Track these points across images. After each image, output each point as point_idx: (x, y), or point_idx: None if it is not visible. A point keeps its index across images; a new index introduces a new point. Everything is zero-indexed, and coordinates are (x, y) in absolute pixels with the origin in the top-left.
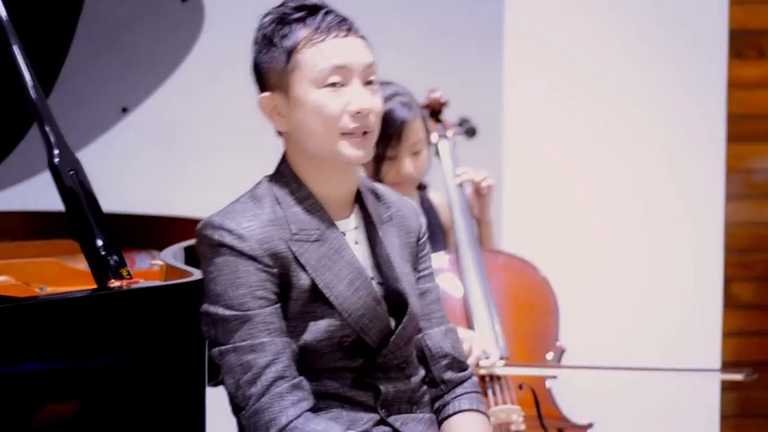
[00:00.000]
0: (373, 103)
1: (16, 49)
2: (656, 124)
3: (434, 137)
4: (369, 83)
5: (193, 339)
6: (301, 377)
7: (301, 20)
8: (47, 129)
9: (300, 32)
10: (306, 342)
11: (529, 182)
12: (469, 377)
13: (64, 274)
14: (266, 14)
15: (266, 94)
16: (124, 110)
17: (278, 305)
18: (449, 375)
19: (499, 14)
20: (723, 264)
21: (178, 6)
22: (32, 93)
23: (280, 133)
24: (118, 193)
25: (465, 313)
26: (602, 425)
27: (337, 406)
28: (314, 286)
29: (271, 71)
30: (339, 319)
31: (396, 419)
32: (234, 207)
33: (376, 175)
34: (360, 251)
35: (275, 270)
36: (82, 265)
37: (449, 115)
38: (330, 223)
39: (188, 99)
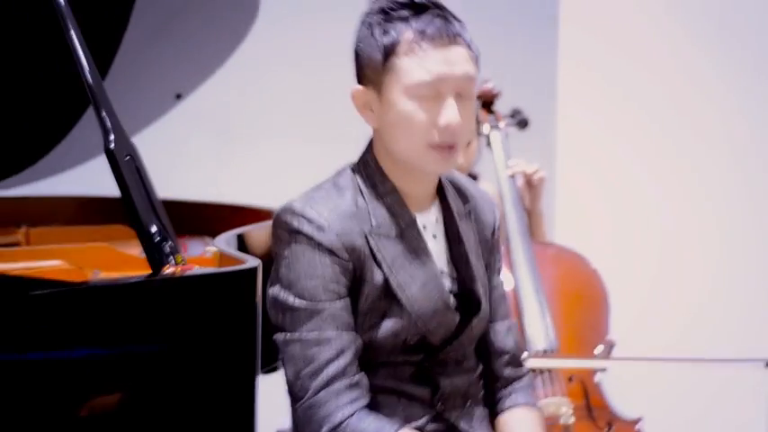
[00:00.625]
0: (463, 117)
1: (74, 34)
2: (717, 116)
3: (486, 128)
4: (464, 95)
5: (246, 327)
6: (361, 374)
7: (406, 19)
8: (103, 114)
9: (402, 34)
10: (371, 338)
11: (581, 174)
12: (526, 374)
13: (117, 259)
14: (374, 3)
15: (360, 88)
16: (178, 96)
17: (348, 299)
18: (508, 372)
19: (554, 2)
20: None
21: None
22: (89, 77)
23: None
24: (170, 179)
25: (516, 305)
26: (652, 419)
27: (394, 400)
28: (386, 284)
29: (367, 65)
30: (407, 320)
31: (450, 415)
32: (315, 194)
33: None
34: (437, 245)
35: (350, 264)
36: (136, 250)
37: (501, 106)
38: (411, 220)
39: (241, 86)
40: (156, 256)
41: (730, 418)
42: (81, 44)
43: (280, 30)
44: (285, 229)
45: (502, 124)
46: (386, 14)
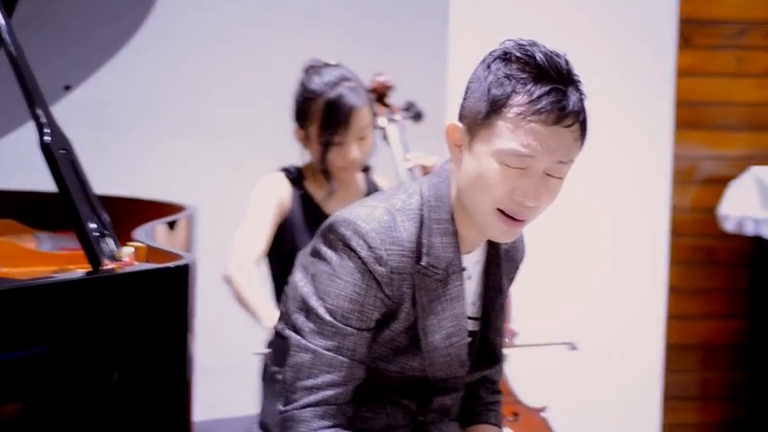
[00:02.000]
0: (543, 195)
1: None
2: (604, 111)
3: (382, 121)
4: (554, 174)
5: (183, 324)
6: (350, 405)
7: (524, 81)
8: (37, 108)
9: (515, 96)
10: (377, 366)
11: None
12: (499, 400)
13: (18, 254)
14: (506, 44)
15: (458, 124)
16: (67, 88)
17: (372, 332)
18: (484, 393)
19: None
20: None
21: None
22: (23, 71)
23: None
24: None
25: None
26: (556, 408)
27: (380, 405)
28: (413, 325)
29: (471, 108)
30: (418, 362)
31: (430, 427)
32: (381, 216)
33: (323, 161)
34: (470, 286)
35: (391, 302)
36: (31, 244)
37: (394, 99)
38: (458, 267)
39: (121, 79)
40: (94, 252)
41: (625, 405)
42: (11, 35)
43: (170, 28)
44: (341, 242)
45: (398, 117)
46: (509, 65)
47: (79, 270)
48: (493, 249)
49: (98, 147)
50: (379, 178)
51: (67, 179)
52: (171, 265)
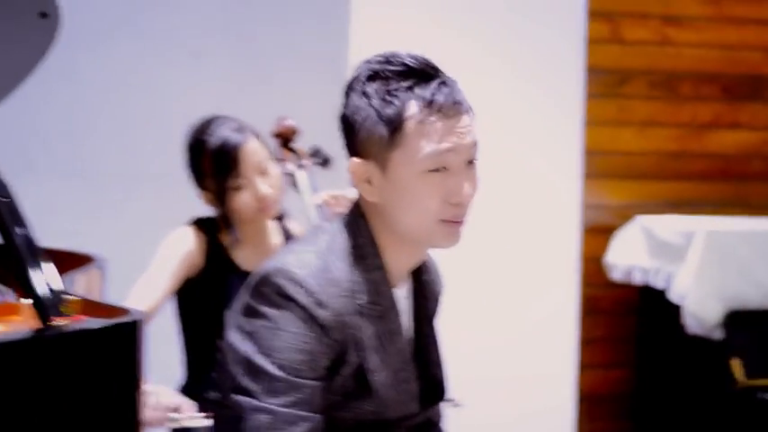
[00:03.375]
0: (474, 188)
1: None
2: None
3: (290, 167)
4: (471, 161)
5: (135, 377)
6: None
7: (410, 89)
8: None
9: (409, 106)
10: (334, 417)
11: None
12: None
13: None
14: (364, 66)
15: (359, 160)
16: None
17: (324, 380)
18: None
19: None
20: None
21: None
22: None
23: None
24: None
25: None
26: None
27: None
28: (360, 366)
29: (368, 139)
30: (371, 405)
31: None
32: (312, 261)
33: (221, 209)
34: (403, 321)
35: (337, 345)
36: None
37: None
38: (392, 302)
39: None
40: (42, 306)
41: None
42: None
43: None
44: (276, 292)
45: (305, 162)
46: (385, 82)
47: (18, 325)
48: (417, 282)
49: None
50: (292, 225)
51: (11, 228)
52: (125, 320)
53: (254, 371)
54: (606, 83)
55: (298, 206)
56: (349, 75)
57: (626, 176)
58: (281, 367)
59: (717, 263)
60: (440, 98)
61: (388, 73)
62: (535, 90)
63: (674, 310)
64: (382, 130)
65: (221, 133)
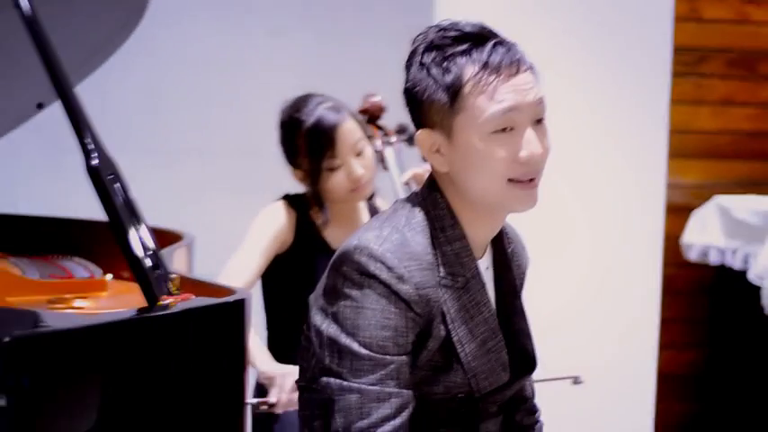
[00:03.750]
0: (545, 146)
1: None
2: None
3: (378, 144)
4: (538, 121)
5: (240, 357)
6: None
7: (466, 53)
8: (85, 132)
9: (466, 70)
10: (423, 392)
11: None
12: (537, 421)
13: (8, 282)
14: (421, 38)
15: (425, 130)
16: (40, 106)
17: (411, 355)
18: (523, 419)
19: (429, 17)
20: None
21: None
22: (68, 93)
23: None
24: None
25: None
26: None
27: None
28: (447, 337)
29: (431, 108)
30: (461, 377)
31: None
32: (391, 235)
33: (315, 189)
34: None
35: (422, 319)
36: (16, 271)
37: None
38: (476, 271)
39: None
40: (149, 284)
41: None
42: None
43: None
44: (357, 270)
45: (393, 140)
46: (441, 50)
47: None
48: (499, 253)
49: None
50: (381, 203)
51: (118, 206)
52: (234, 298)
53: (340, 351)
54: (685, 62)
55: (385, 184)
56: None
57: (704, 156)
58: (365, 345)
59: None
60: (496, 58)
61: (443, 41)
62: (622, 69)
63: (751, 290)
64: (443, 97)
65: (318, 112)
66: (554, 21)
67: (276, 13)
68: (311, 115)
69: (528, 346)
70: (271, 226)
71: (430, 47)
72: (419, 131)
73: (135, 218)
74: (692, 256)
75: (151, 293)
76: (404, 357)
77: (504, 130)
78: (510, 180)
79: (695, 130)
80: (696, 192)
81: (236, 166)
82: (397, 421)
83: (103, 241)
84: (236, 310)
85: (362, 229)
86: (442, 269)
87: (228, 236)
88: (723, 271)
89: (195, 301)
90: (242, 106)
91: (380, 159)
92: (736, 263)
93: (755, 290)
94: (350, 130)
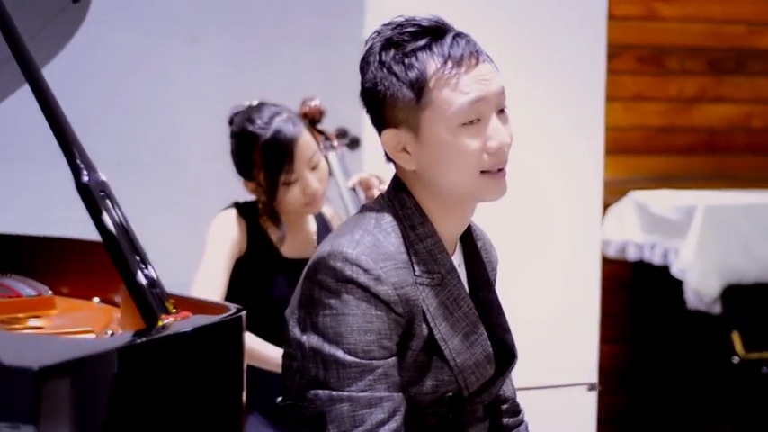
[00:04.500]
0: (510, 134)
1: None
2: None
3: (321, 150)
4: (501, 111)
5: (238, 374)
6: None
7: (427, 47)
8: (72, 148)
9: (429, 64)
10: (411, 394)
11: None
12: (522, 421)
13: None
14: (375, 36)
15: (390, 130)
16: None
17: (397, 356)
18: (506, 421)
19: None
20: None
21: None
22: (53, 109)
23: (388, 159)
24: None
25: None
26: None
27: None
28: (430, 336)
29: (395, 106)
30: (448, 374)
31: None
32: (363, 238)
33: (271, 204)
34: None
35: (403, 319)
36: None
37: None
38: (450, 266)
39: None
40: (147, 304)
41: None
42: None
43: None
44: (333, 277)
45: (335, 144)
46: (400, 47)
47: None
48: (470, 249)
49: None
50: (327, 209)
51: (111, 224)
52: (232, 315)
53: (325, 362)
54: None
55: (331, 189)
56: (350, 50)
57: (616, 152)
58: (351, 352)
59: (716, 238)
60: (458, 50)
61: (401, 37)
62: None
63: (672, 285)
64: (408, 94)
65: (275, 125)
66: (483, 18)
67: (194, 19)
68: (268, 128)
69: (508, 339)
70: (227, 235)
71: (388, 44)
72: (384, 132)
73: (128, 236)
74: (611, 252)
75: (151, 313)
76: (391, 360)
77: (471, 122)
78: (482, 172)
79: (607, 126)
80: (610, 188)
81: (156, 174)
82: (392, 425)
83: (40, 257)
84: (236, 325)
85: (332, 236)
86: (416, 267)
87: (150, 244)
88: (642, 266)
89: (202, 318)
90: (161, 114)
91: None
92: (655, 258)
93: (676, 284)
94: (307, 144)
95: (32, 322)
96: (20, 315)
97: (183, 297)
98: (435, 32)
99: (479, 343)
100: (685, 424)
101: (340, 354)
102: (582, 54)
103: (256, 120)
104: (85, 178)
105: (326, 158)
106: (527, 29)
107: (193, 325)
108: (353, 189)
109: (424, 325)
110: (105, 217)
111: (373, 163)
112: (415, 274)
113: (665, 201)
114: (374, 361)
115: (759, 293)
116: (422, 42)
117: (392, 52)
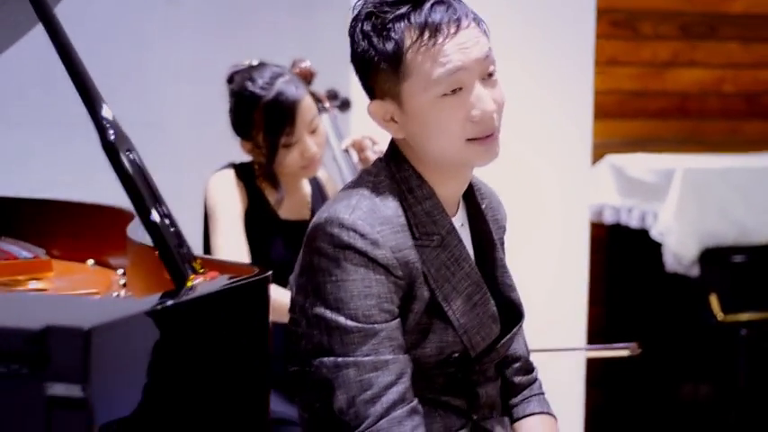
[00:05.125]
0: (496, 100)
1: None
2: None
3: None
4: (489, 75)
5: (264, 335)
6: (416, 399)
7: (405, 17)
8: (98, 107)
9: (406, 35)
10: (416, 356)
11: None
12: (536, 380)
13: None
14: (360, 4)
15: (376, 102)
16: None
17: (399, 318)
18: (519, 379)
19: None
20: None
21: None
22: (79, 70)
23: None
24: None
25: None
26: None
27: (431, 410)
28: (432, 298)
29: (378, 77)
30: (452, 335)
31: (486, 423)
32: (360, 203)
33: (270, 166)
34: None
35: (403, 281)
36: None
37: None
38: (450, 227)
39: None
40: (177, 264)
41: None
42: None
43: None
44: (331, 243)
45: (327, 105)
46: (379, 17)
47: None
48: (473, 208)
49: None
50: (320, 173)
51: (138, 183)
52: (259, 276)
53: (328, 328)
54: None
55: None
56: (334, 12)
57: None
58: (352, 317)
59: (695, 201)
60: (435, 18)
61: (381, 7)
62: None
63: (650, 248)
64: (386, 66)
65: (278, 87)
66: None
67: None
68: (270, 89)
69: (513, 297)
70: (232, 195)
71: (369, 15)
72: (370, 104)
73: (154, 195)
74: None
75: (179, 273)
76: (393, 323)
77: (453, 91)
78: (468, 140)
79: None
80: None
81: (136, 137)
82: (400, 386)
83: (30, 219)
84: (264, 286)
85: (330, 201)
86: (415, 230)
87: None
88: (618, 229)
89: (225, 279)
90: (141, 77)
91: None
92: (632, 221)
93: (654, 247)
94: (308, 107)
95: (34, 284)
96: (20, 278)
97: (207, 258)
98: (414, 1)
99: (482, 303)
100: (663, 387)
101: (342, 320)
102: (569, 19)
103: (257, 79)
104: (112, 137)
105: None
106: None
107: (223, 285)
108: (346, 151)
109: (424, 287)
110: (131, 175)
111: (363, 124)
112: (414, 237)
113: (643, 164)
114: (376, 325)
115: (736, 256)
116: (400, 11)
117: (371, 22)
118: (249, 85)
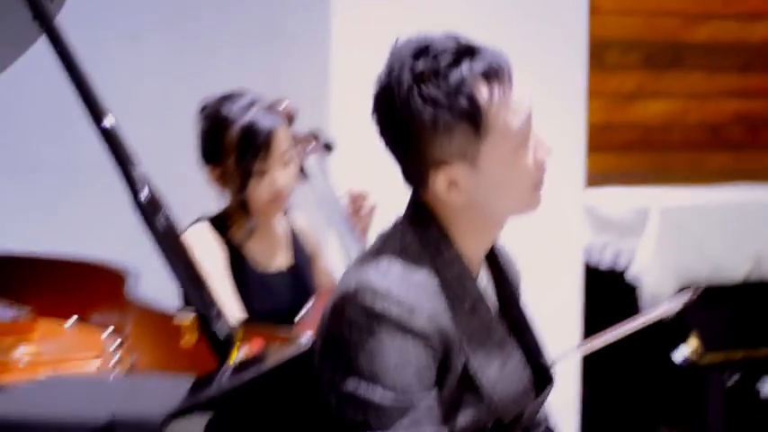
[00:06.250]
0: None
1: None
2: None
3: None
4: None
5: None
6: None
7: (469, 71)
8: (128, 164)
9: (478, 89)
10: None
11: None
12: None
13: None
14: (405, 71)
15: (441, 170)
16: None
17: (435, 389)
18: None
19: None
20: None
21: None
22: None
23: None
24: None
25: None
26: None
27: None
28: (464, 370)
29: (448, 141)
30: (485, 408)
31: None
32: (391, 267)
33: (241, 192)
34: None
35: (440, 352)
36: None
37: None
38: (479, 291)
39: None
40: (219, 338)
41: None
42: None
43: None
44: (363, 313)
45: (313, 147)
46: (440, 75)
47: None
48: (494, 268)
49: None
50: (298, 218)
51: (179, 255)
52: (306, 345)
53: (363, 405)
54: None
55: (309, 197)
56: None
57: None
58: (390, 389)
59: (672, 239)
60: (496, 65)
61: (436, 66)
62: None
63: (622, 286)
64: (463, 125)
65: (253, 112)
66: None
67: (133, 17)
68: (246, 113)
69: (542, 362)
70: (212, 249)
71: (422, 77)
72: (436, 172)
73: (188, 262)
74: None
75: (222, 347)
76: (432, 393)
77: (529, 132)
78: (534, 187)
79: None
80: None
81: (96, 180)
82: None
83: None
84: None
85: (353, 268)
86: (446, 294)
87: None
88: (591, 269)
89: (284, 350)
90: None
91: (300, 170)
92: (604, 259)
93: (629, 288)
94: (284, 138)
95: (24, 348)
96: (7, 339)
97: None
98: (466, 51)
99: (516, 372)
100: (640, 428)
101: (378, 394)
102: (562, 51)
103: (234, 104)
104: (143, 197)
105: (302, 164)
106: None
107: (282, 357)
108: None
109: (458, 356)
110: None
111: (343, 166)
112: (447, 303)
113: (614, 201)
114: (415, 396)
115: (714, 295)
116: (462, 67)
117: (432, 82)
118: (225, 108)
